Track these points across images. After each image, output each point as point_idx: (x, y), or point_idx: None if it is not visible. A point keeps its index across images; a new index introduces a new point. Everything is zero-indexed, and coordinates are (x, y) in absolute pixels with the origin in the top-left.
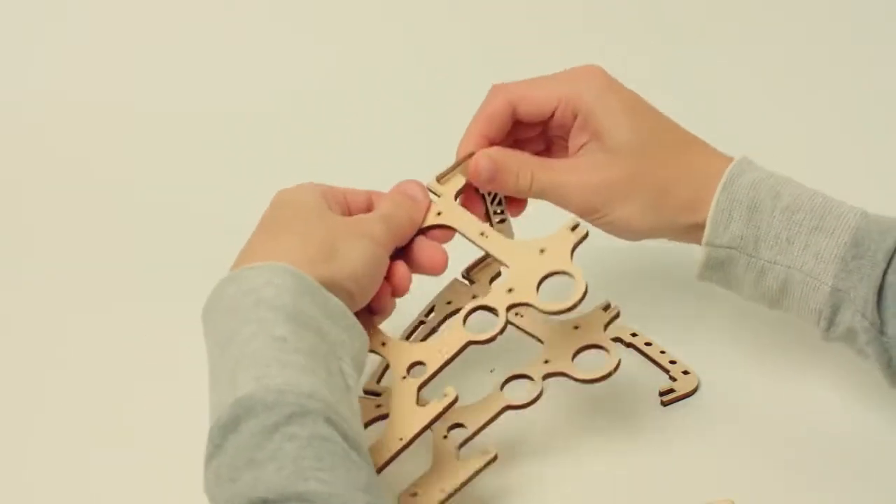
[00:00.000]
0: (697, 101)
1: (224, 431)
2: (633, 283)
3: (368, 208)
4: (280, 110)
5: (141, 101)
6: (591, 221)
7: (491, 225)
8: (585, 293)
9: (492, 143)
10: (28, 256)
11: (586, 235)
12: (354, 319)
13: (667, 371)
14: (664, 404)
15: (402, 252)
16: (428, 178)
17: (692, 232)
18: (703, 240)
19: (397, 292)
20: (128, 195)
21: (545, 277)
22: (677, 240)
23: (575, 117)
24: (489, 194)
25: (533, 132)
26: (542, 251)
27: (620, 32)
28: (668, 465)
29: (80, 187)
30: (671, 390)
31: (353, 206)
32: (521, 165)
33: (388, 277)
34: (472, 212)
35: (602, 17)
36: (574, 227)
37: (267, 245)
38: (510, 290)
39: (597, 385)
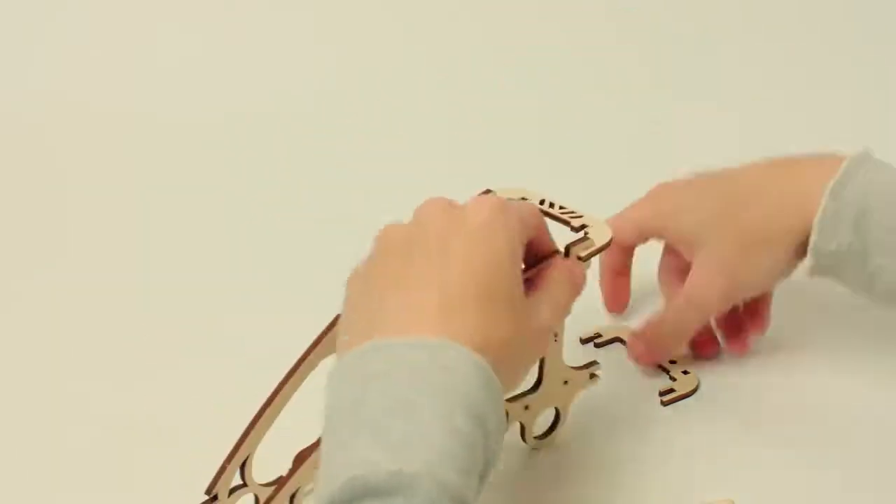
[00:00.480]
0: (703, 100)
1: (371, 492)
2: (634, 282)
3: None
4: (281, 111)
5: (141, 101)
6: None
7: None
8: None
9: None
10: (28, 257)
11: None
12: (504, 414)
13: (666, 371)
14: (664, 404)
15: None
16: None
17: (793, 235)
18: (810, 247)
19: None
20: (128, 195)
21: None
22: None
23: (666, 229)
24: None
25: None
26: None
27: (628, 32)
28: (668, 464)
29: (80, 188)
30: (671, 390)
31: (537, 247)
32: (663, 327)
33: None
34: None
35: (606, 17)
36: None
37: (441, 306)
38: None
39: (597, 385)
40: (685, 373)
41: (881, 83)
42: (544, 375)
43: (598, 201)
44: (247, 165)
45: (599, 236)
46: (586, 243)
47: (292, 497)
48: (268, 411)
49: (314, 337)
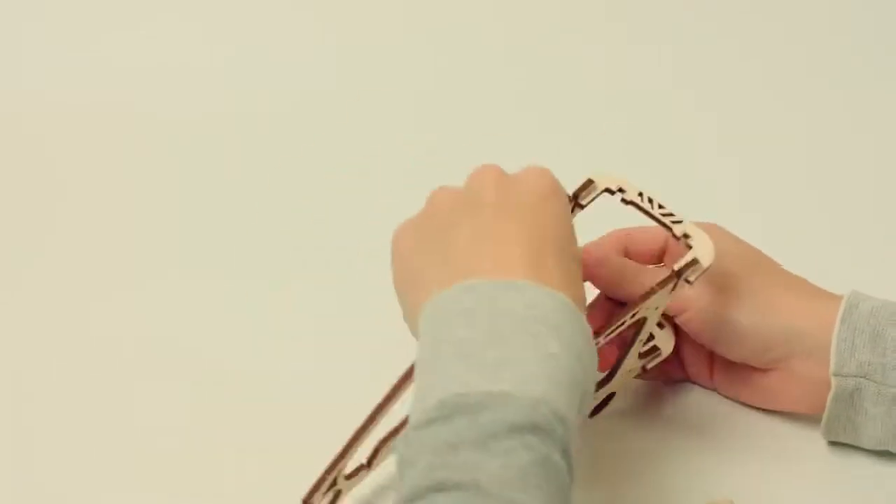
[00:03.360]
0: (712, 99)
1: (463, 408)
2: None
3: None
4: (281, 111)
5: (141, 101)
6: (695, 324)
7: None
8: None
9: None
10: (28, 257)
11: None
12: (596, 358)
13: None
14: (645, 370)
15: None
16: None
17: (801, 340)
18: (830, 370)
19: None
20: (128, 195)
21: None
22: (774, 354)
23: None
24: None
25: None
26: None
27: (630, 31)
28: (667, 463)
29: (79, 188)
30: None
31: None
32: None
33: None
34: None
35: (609, 17)
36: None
37: (530, 257)
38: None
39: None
40: (660, 325)
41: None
42: (618, 373)
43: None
44: (247, 165)
45: (704, 253)
46: (695, 267)
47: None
48: (371, 426)
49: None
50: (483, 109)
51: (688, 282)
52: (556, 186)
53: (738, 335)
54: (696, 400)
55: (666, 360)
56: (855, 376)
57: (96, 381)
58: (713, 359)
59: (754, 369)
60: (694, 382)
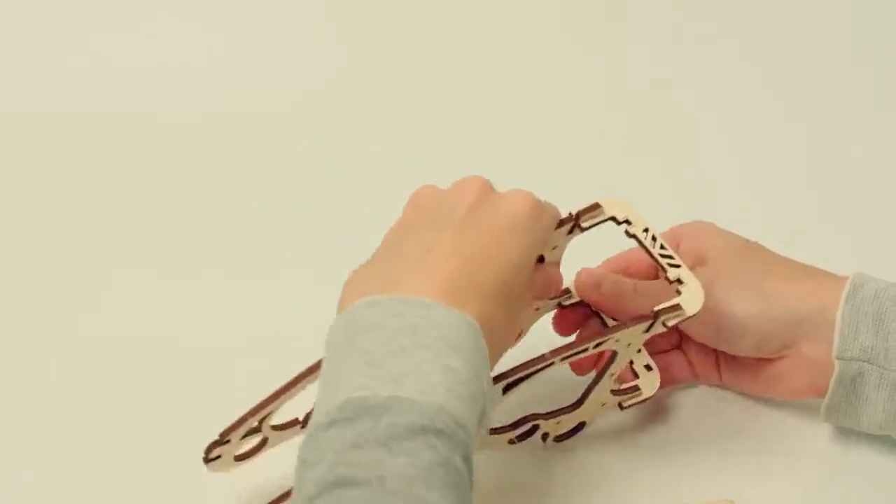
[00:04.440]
0: (712, 99)
1: (365, 411)
2: None
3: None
4: (282, 111)
5: (141, 101)
6: (698, 323)
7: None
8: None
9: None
10: (27, 257)
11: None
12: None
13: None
14: (622, 408)
15: None
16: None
17: (804, 324)
18: (833, 353)
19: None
20: (127, 195)
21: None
22: (778, 342)
23: (678, 245)
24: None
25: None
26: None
27: (629, 31)
28: (667, 463)
29: (79, 188)
30: (634, 388)
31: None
32: (623, 278)
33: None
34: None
35: (609, 17)
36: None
37: (456, 280)
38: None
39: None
40: (648, 368)
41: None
42: (587, 398)
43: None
44: (247, 165)
45: (691, 303)
46: (677, 313)
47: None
48: (302, 381)
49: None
50: (483, 109)
51: (665, 326)
52: (532, 214)
53: (740, 331)
54: (697, 400)
55: (673, 365)
56: (858, 360)
57: (96, 380)
58: (718, 356)
59: (761, 360)
60: (702, 383)
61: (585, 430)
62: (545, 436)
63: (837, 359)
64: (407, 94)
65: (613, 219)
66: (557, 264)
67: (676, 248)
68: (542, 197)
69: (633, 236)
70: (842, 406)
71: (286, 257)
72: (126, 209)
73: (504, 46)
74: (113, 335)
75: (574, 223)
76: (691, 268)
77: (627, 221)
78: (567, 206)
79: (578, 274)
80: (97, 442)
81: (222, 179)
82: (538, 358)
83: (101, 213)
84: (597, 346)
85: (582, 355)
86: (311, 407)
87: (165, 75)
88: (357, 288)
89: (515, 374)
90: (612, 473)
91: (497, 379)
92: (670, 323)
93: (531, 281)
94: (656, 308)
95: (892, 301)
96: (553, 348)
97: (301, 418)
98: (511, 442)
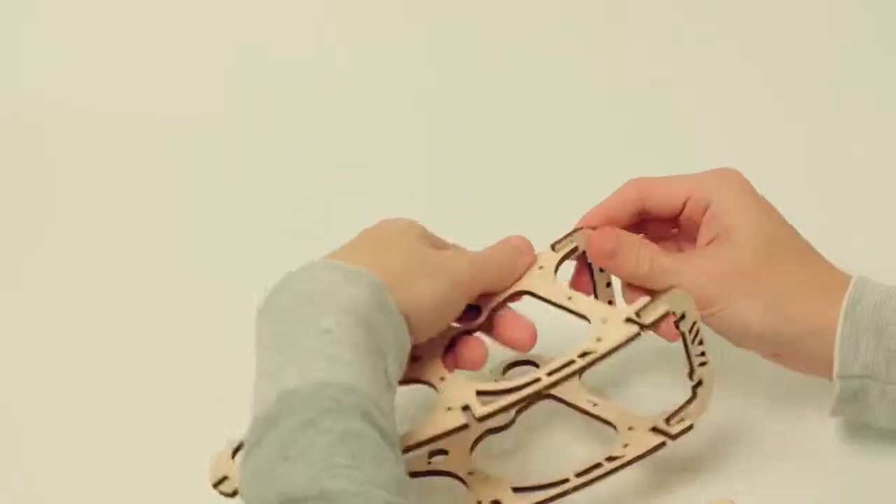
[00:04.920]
0: (712, 99)
1: (266, 425)
2: None
3: None
4: (282, 111)
5: (141, 101)
6: (706, 316)
7: (595, 292)
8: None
9: (613, 225)
10: (28, 257)
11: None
12: (403, 322)
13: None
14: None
15: (489, 323)
16: (434, 180)
17: (809, 340)
18: (835, 373)
19: (464, 366)
20: (127, 196)
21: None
22: (788, 354)
23: (705, 210)
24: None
25: (663, 231)
26: (627, 319)
27: (630, 31)
28: (667, 463)
29: (79, 188)
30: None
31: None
32: (641, 248)
33: (456, 351)
34: (580, 279)
35: (609, 17)
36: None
37: (349, 250)
38: (584, 354)
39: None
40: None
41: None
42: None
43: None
44: (247, 165)
45: (698, 407)
46: (688, 411)
47: None
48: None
49: None
50: (483, 109)
51: (671, 438)
52: (401, 225)
53: (749, 335)
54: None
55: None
56: (860, 377)
57: (96, 380)
58: None
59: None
60: None
61: (582, 431)
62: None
63: (839, 378)
64: (407, 94)
65: (672, 313)
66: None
67: (704, 209)
68: (542, 196)
69: (682, 334)
70: (847, 412)
71: (286, 257)
72: (126, 209)
73: (504, 46)
74: (113, 335)
75: (640, 326)
76: (710, 241)
77: (683, 316)
78: (568, 207)
79: (592, 235)
80: (97, 442)
81: (222, 179)
82: (534, 381)
83: (102, 213)
84: (610, 463)
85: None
86: None
87: (165, 75)
88: None
89: (505, 400)
90: (611, 474)
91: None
92: (674, 432)
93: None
94: (665, 423)
95: (892, 312)
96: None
97: None
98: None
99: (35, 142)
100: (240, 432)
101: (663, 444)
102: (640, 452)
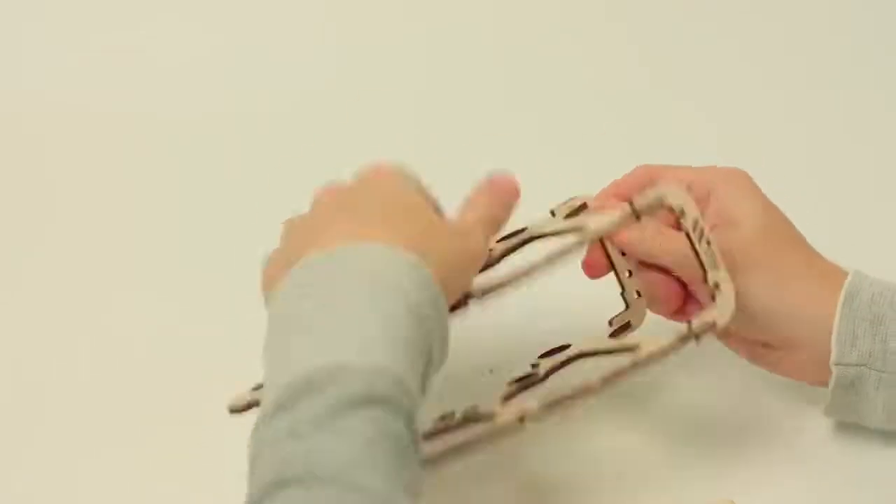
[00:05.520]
0: (712, 99)
1: (305, 390)
2: None
3: None
4: (282, 110)
5: (141, 101)
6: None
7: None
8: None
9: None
10: (27, 257)
11: None
12: (448, 322)
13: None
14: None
15: None
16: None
17: (804, 326)
18: (831, 361)
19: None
20: (127, 196)
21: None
22: (779, 341)
23: (708, 198)
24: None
25: (669, 220)
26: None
27: (630, 31)
28: (667, 464)
29: (79, 188)
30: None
31: None
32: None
33: None
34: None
35: (609, 17)
36: None
37: (359, 232)
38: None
39: None
40: (639, 294)
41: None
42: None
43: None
44: (247, 165)
45: (723, 310)
46: (705, 321)
47: None
48: None
49: None
50: (483, 109)
51: (697, 341)
52: (397, 172)
53: (746, 313)
54: (697, 399)
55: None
56: (856, 365)
57: (96, 380)
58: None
59: (766, 344)
60: None
61: (581, 432)
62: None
63: (835, 364)
64: (407, 94)
65: (670, 208)
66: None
67: (706, 197)
68: (542, 196)
69: (686, 234)
70: (843, 406)
71: None
72: (126, 209)
73: (504, 46)
74: (113, 334)
75: (631, 209)
76: (714, 228)
77: (683, 213)
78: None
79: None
80: (97, 442)
81: (222, 179)
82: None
83: (101, 213)
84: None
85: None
86: None
87: (165, 75)
88: (272, 275)
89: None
90: (611, 474)
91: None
92: (703, 338)
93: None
94: (694, 326)
95: (889, 305)
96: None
97: None
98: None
99: (35, 142)
100: (239, 431)
101: (687, 339)
102: (662, 347)
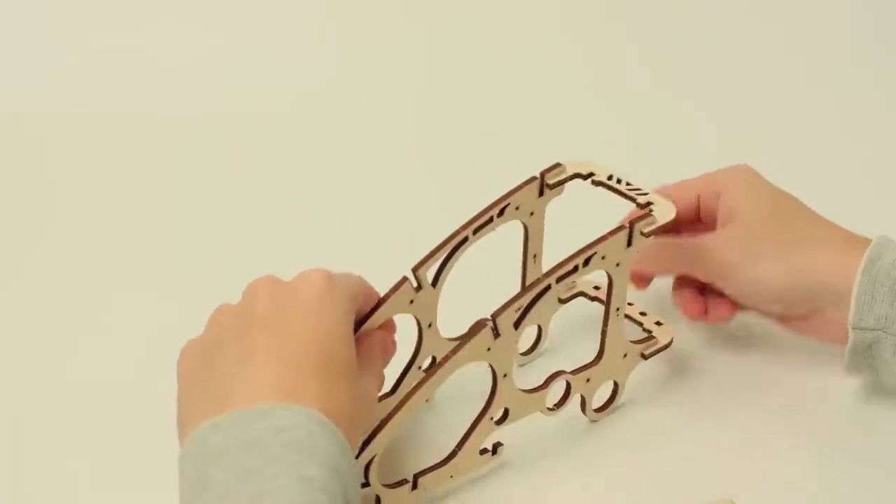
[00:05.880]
0: (712, 99)
1: None
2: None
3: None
4: (282, 110)
5: (141, 101)
6: (728, 283)
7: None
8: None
9: None
10: (27, 257)
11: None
12: (357, 466)
13: (639, 324)
14: (645, 357)
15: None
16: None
17: (826, 294)
18: (849, 323)
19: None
20: (127, 196)
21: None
22: (805, 311)
23: (718, 197)
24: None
25: (693, 232)
26: (624, 356)
27: (630, 31)
28: (667, 463)
29: (79, 188)
30: (650, 338)
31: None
32: (660, 244)
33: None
34: None
35: (609, 17)
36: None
37: (284, 376)
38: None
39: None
40: (658, 324)
41: (885, 83)
42: (605, 348)
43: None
44: (247, 165)
45: (663, 214)
46: (649, 220)
47: (368, 464)
48: (398, 414)
49: None
50: (483, 109)
51: (643, 234)
52: (329, 286)
53: (772, 293)
54: (695, 398)
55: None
56: (873, 329)
57: (96, 380)
58: None
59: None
60: None
61: (581, 431)
62: (583, 404)
63: (853, 328)
64: (407, 94)
65: (578, 175)
66: (389, 327)
67: (717, 198)
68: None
69: (601, 184)
70: (860, 368)
71: (286, 257)
72: (126, 209)
73: (504, 46)
74: (112, 334)
75: (541, 182)
76: (723, 223)
77: (591, 174)
78: (568, 206)
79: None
80: (97, 441)
81: (222, 179)
82: (536, 282)
83: (102, 213)
84: (585, 262)
85: (575, 274)
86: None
87: (165, 75)
88: (192, 409)
89: (517, 302)
90: (611, 475)
91: (500, 311)
92: (647, 230)
93: (362, 349)
94: (631, 219)
95: None
96: (545, 271)
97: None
98: (550, 409)
99: (35, 142)
100: None
101: (630, 231)
102: (605, 240)
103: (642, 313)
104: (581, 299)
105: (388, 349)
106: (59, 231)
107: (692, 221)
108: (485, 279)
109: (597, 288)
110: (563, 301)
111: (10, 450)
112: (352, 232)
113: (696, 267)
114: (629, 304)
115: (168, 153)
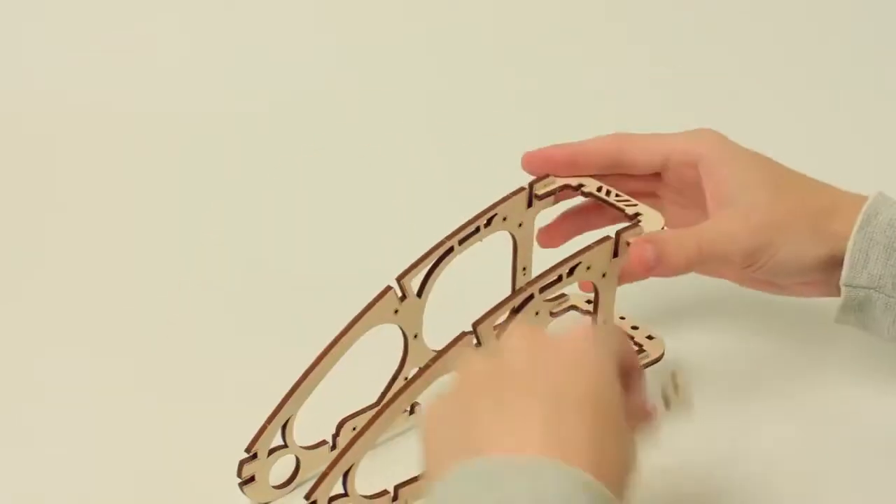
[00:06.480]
0: (712, 99)
1: None
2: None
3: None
4: (281, 110)
5: (141, 101)
6: (759, 267)
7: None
8: None
9: (576, 169)
10: (28, 257)
11: None
12: None
13: (630, 338)
14: None
15: None
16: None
17: (822, 259)
18: (841, 280)
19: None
20: (128, 196)
21: None
22: (823, 276)
23: (694, 170)
24: None
25: (641, 188)
26: None
27: (630, 31)
28: (666, 464)
29: (79, 188)
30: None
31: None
32: (676, 235)
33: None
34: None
35: (609, 17)
36: None
37: (556, 430)
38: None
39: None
40: (650, 338)
41: (885, 81)
42: None
43: None
44: (247, 165)
45: (651, 224)
46: (636, 230)
47: (346, 473)
48: (311, 374)
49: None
50: (483, 109)
51: (628, 244)
52: (595, 351)
53: (805, 266)
54: (695, 398)
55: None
56: (865, 287)
57: (96, 380)
58: None
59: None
60: None
61: None
62: None
63: (845, 286)
64: (406, 94)
65: (567, 186)
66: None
67: (692, 168)
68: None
69: (590, 195)
70: (850, 322)
71: (286, 257)
72: (126, 209)
73: (504, 46)
74: (112, 333)
75: (529, 193)
76: (721, 204)
77: (581, 185)
78: (567, 206)
79: (632, 253)
80: (98, 442)
81: (222, 179)
82: (519, 290)
83: (102, 213)
84: (570, 272)
85: (559, 284)
86: (335, 418)
87: (165, 75)
88: (440, 446)
89: (499, 311)
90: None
91: (481, 320)
92: (631, 240)
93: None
94: (618, 230)
95: None
96: (528, 280)
97: (330, 439)
98: None
99: (35, 141)
100: (239, 430)
101: (616, 242)
102: (590, 249)
103: (634, 327)
104: (573, 313)
105: (649, 415)
106: (60, 230)
107: (643, 180)
108: (474, 290)
109: (589, 302)
110: (554, 315)
111: (10, 449)
112: (352, 231)
113: (717, 257)
114: (621, 317)
115: (168, 153)
